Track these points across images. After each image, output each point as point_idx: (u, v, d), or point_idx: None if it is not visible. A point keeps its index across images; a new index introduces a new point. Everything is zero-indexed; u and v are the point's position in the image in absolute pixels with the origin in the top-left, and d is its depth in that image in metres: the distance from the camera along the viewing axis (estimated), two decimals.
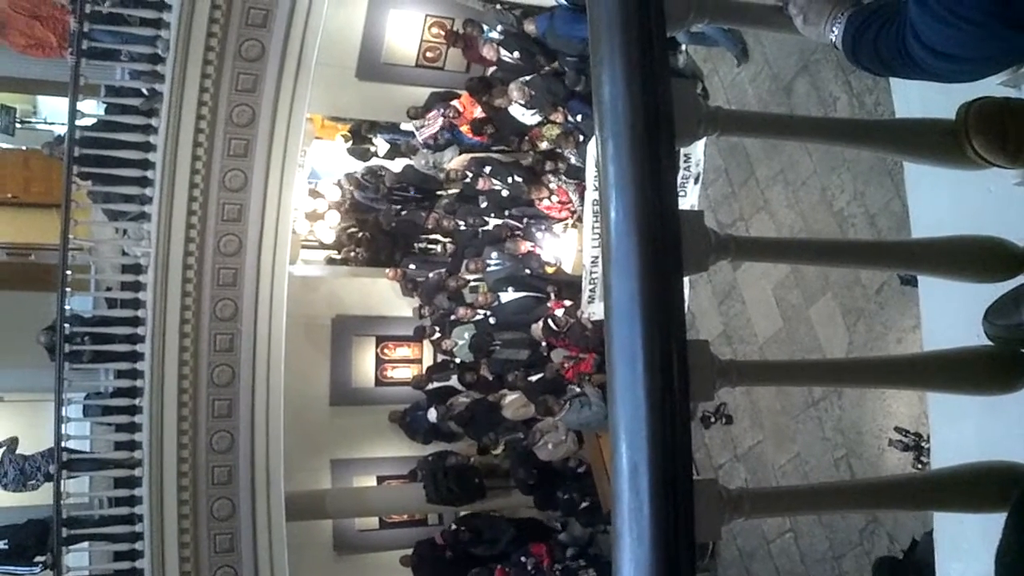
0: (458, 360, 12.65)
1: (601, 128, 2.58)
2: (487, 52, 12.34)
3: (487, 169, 12.31)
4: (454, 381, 12.70)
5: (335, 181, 14.10)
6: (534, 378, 11.94)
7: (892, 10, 2.32)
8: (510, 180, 12.25)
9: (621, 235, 2.50)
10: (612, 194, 2.52)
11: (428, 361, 13.63)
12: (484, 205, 12.35)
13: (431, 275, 12.75)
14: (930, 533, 4.09)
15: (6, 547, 9.99)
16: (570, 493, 11.79)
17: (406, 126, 13.44)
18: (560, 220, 12.20)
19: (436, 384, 12.97)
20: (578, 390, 11.15)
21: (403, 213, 13.29)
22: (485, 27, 12.39)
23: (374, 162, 13.86)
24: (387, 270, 13.13)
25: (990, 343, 2.85)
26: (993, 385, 2.90)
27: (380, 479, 13.50)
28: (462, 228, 12.47)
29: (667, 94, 2.54)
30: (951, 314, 3.45)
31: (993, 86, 2.96)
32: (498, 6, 12.05)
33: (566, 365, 11.70)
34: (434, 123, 12.51)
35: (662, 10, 2.60)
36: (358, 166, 13.95)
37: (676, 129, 2.55)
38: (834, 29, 2.45)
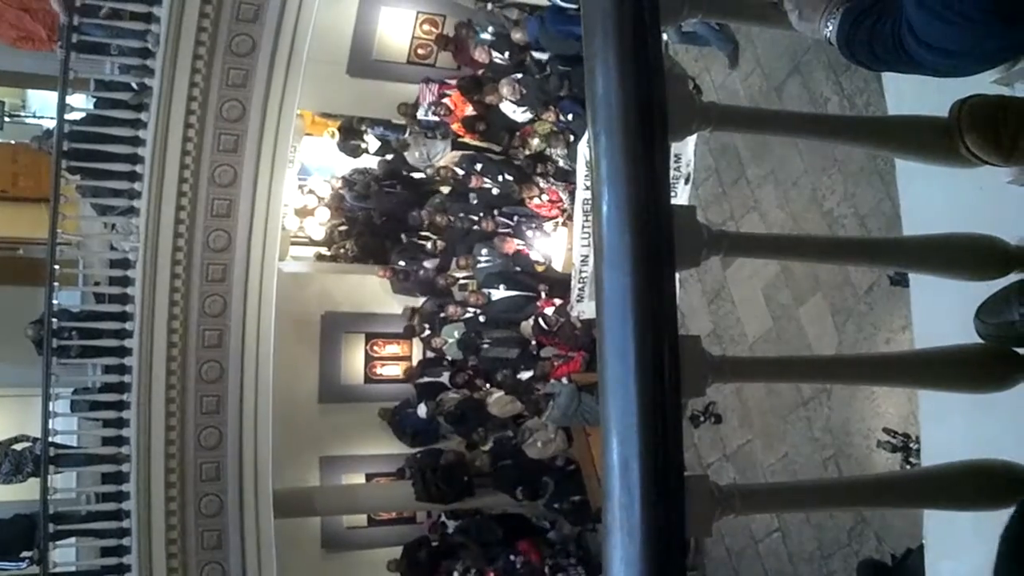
0: (449, 358, 12.64)
1: (594, 122, 2.57)
2: (479, 55, 12.34)
3: (478, 166, 12.30)
4: (445, 378, 12.69)
5: (326, 179, 14.06)
6: (524, 376, 11.96)
7: (887, 5, 2.32)
8: (500, 179, 12.24)
9: (613, 229, 2.49)
10: (604, 188, 2.51)
11: (418, 358, 13.60)
12: (475, 202, 12.34)
13: (426, 264, 12.67)
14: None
15: None
16: (560, 502, 11.79)
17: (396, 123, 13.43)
18: (550, 219, 12.19)
19: (427, 379, 12.94)
20: (546, 389, 11.25)
21: (393, 201, 13.24)
22: (477, 28, 12.38)
23: (364, 160, 13.82)
24: (377, 269, 13.10)
25: (982, 341, 2.85)
26: (984, 383, 2.90)
27: (369, 477, 13.47)
28: (454, 225, 12.44)
29: (661, 88, 2.53)
30: (943, 312, 3.44)
31: (986, 84, 2.96)
32: (489, 6, 12.04)
33: (555, 363, 11.71)
34: (424, 97, 12.55)
35: (656, 3, 2.59)
36: (349, 162, 13.92)
37: (669, 123, 2.54)
38: (829, 24, 2.45)
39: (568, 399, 10.79)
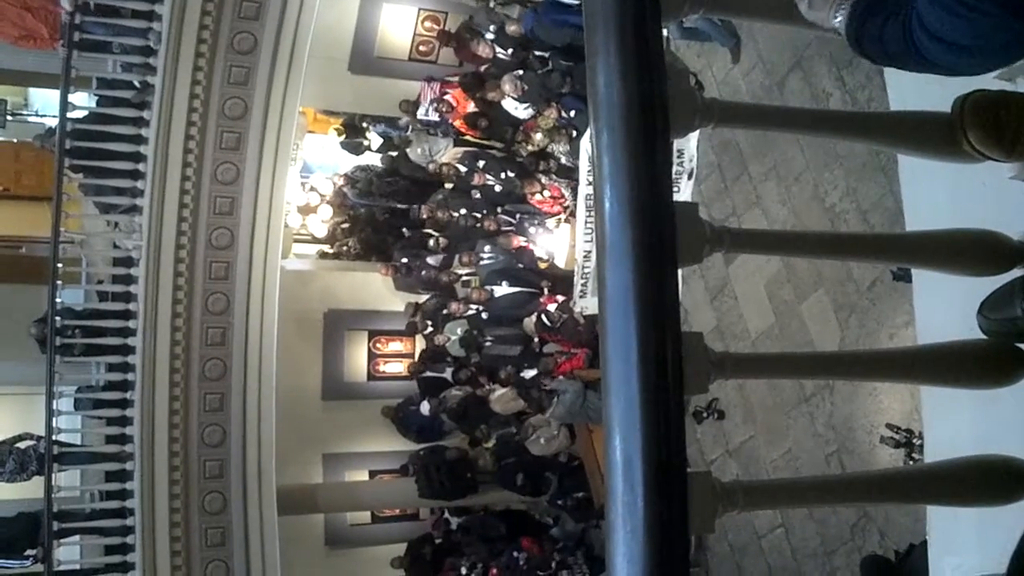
0: (452, 355, 12.63)
1: (596, 118, 2.57)
2: (482, 51, 12.32)
3: (480, 163, 12.30)
4: (448, 373, 12.68)
5: (328, 176, 14.07)
6: (529, 373, 11.94)
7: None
8: (503, 175, 12.23)
9: (615, 226, 2.48)
10: (607, 185, 2.51)
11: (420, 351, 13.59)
12: (477, 199, 12.33)
13: (429, 260, 12.66)
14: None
15: None
16: (563, 498, 11.80)
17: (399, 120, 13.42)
18: (553, 215, 12.18)
19: (430, 374, 12.92)
20: (552, 386, 11.25)
21: (395, 199, 13.23)
22: (481, 31, 12.37)
23: (366, 157, 13.82)
24: (380, 266, 13.09)
25: (985, 337, 2.85)
26: (987, 379, 2.89)
27: (372, 473, 13.47)
28: (456, 221, 12.42)
29: (662, 84, 2.52)
30: (945, 308, 3.44)
31: (989, 79, 2.95)
32: (490, 3, 12.03)
33: (558, 360, 11.70)
34: (426, 96, 12.52)
35: (657, 0, 2.59)
36: (351, 160, 13.92)
37: (671, 119, 2.53)
38: (838, 15, 2.42)
39: (574, 396, 10.80)
